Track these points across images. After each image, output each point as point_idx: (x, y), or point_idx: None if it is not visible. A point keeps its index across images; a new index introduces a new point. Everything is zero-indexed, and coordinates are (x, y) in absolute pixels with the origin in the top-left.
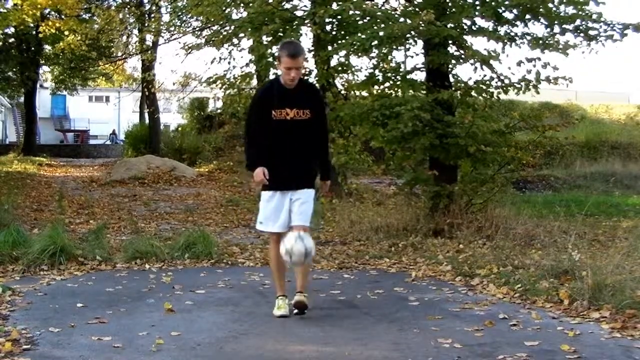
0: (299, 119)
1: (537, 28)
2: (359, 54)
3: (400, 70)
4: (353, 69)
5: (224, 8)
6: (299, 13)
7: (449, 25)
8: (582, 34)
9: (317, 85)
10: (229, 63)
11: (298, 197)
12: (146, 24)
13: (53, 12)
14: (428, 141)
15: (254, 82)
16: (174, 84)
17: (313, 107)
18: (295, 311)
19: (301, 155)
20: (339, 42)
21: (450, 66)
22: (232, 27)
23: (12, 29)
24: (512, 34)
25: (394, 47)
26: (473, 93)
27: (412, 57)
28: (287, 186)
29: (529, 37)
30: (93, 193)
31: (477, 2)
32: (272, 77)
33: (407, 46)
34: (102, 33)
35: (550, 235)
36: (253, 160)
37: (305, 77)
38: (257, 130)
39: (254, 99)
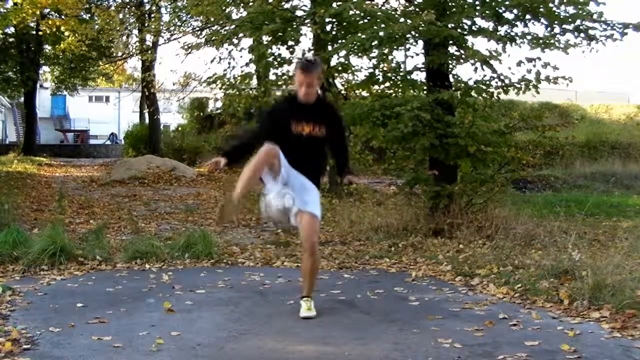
0: (314, 136)
1: (537, 28)
2: (359, 54)
3: (401, 70)
4: (353, 69)
5: (224, 8)
6: (299, 13)
7: (449, 26)
8: (582, 34)
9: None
10: (228, 63)
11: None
12: (146, 24)
13: (53, 12)
14: (428, 141)
15: (254, 82)
16: (174, 84)
17: (328, 124)
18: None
19: (310, 166)
20: (339, 42)
21: (450, 66)
22: (232, 27)
23: (12, 29)
24: (512, 34)
25: (394, 47)
26: (473, 93)
27: (412, 57)
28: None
29: (529, 37)
30: (93, 193)
31: (477, 3)
32: (272, 77)
33: (407, 46)
34: (102, 33)
35: (551, 235)
36: (229, 151)
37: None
38: (262, 131)
39: (269, 108)
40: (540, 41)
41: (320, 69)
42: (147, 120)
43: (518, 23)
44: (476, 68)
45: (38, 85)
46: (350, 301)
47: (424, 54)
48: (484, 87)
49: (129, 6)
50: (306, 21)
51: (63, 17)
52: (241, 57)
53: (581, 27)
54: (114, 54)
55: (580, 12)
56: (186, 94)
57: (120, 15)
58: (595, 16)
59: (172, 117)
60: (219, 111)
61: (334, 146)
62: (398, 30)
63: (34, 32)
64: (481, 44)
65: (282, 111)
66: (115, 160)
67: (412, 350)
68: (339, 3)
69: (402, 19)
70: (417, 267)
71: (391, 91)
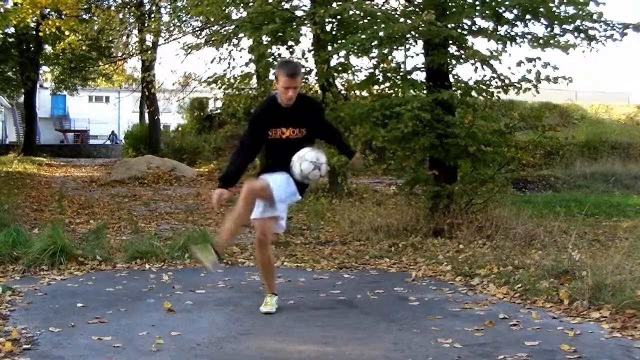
0: (294, 138)
1: (537, 28)
2: (359, 54)
3: (401, 70)
4: (353, 69)
5: (223, 8)
6: (299, 13)
7: (449, 26)
8: (582, 34)
9: (315, 98)
10: (228, 63)
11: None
12: (146, 24)
13: (53, 12)
14: (428, 141)
15: (254, 82)
16: (173, 84)
17: (310, 124)
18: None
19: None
20: (339, 42)
21: (450, 66)
22: (232, 27)
23: (12, 29)
24: (512, 33)
25: (394, 47)
26: (473, 93)
27: (412, 57)
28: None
29: (529, 37)
30: (93, 193)
31: (477, 3)
32: (271, 77)
33: (407, 46)
34: (102, 33)
35: (551, 235)
36: (227, 177)
37: (305, 92)
38: (249, 146)
39: (251, 117)
40: (540, 41)
41: (302, 71)
42: (147, 121)
43: (518, 23)
44: (476, 68)
45: (38, 85)
46: (350, 301)
47: (424, 54)
48: (484, 87)
49: (129, 6)
50: (306, 21)
51: (63, 17)
52: (241, 57)
53: (581, 27)
54: (114, 54)
55: (580, 12)
56: (186, 94)
57: (120, 15)
58: (595, 16)
59: (172, 117)
60: (219, 111)
61: (325, 138)
62: (398, 30)
63: (34, 32)
64: (481, 44)
65: (260, 118)
66: (115, 161)
67: (412, 350)
68: (339, 3)
69: (402, 19)
70: (417, 267)
71: (391, 91)
